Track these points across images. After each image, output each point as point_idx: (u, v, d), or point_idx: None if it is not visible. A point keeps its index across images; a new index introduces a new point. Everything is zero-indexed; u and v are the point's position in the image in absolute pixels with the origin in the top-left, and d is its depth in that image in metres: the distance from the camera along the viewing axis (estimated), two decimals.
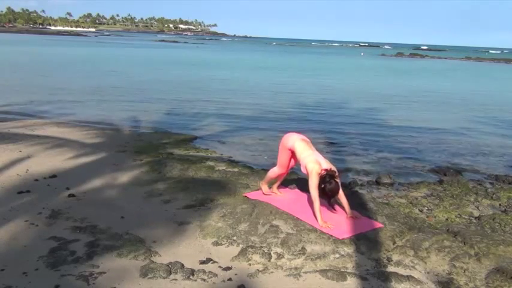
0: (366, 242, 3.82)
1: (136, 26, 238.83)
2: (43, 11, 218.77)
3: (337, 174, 4.16)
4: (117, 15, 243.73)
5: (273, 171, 4.81)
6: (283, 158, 4.67)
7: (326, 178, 4.06)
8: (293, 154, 4.51)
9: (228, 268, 3.40)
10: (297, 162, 4.52)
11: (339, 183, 4.20)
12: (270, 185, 4.96)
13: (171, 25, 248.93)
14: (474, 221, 4.98)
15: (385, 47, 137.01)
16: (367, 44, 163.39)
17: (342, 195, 4.28)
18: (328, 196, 4.18)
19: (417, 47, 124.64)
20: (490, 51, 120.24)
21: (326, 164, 4.18)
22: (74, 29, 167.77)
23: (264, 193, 4.84)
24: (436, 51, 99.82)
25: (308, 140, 4.52)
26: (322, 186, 4.08)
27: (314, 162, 4.14)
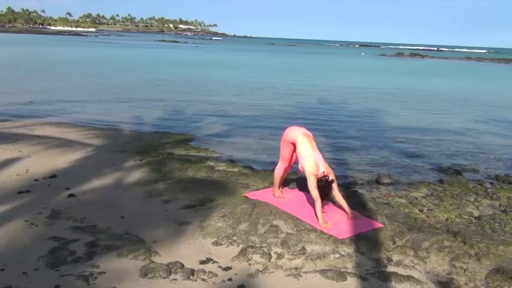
0: (366, 242, 3.82)
1: (136, 26, 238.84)
2: (43, 11, 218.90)
3: (331, 179, 4.18)
4: (117, 15, 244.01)
5: (279, 170, 4.79)
6: (285, 151, 4.67)
7: (320, 184, 4.13)
8: (294, 148, 4.49)
9: (228, 268, 3.40)
10: (296, 159, 4.50)
11: (334, 187, 4.23)
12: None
13: (171, 25, 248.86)
14: (474, 221, 4.98)
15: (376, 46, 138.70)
16: (359, 45, 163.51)
17: (340, 198, 4.31)
18: None
19: (405, 46, 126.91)
20: (462, 49, 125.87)
21: (323, 167, 4.21)
22: (73, 29, 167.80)
23: (276, 197, 4.80)
24: (432, 51, 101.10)
25: (310, 134, 4.50)
26: None
27: (313, 164, 4.17)
